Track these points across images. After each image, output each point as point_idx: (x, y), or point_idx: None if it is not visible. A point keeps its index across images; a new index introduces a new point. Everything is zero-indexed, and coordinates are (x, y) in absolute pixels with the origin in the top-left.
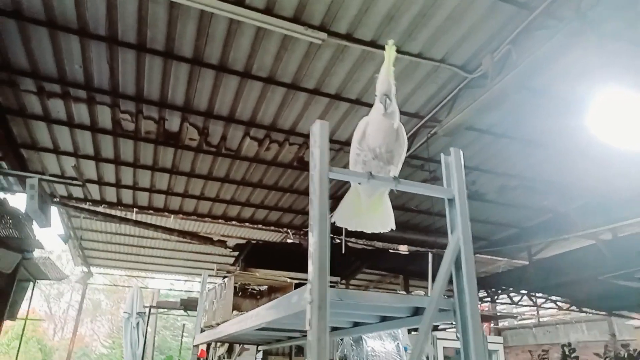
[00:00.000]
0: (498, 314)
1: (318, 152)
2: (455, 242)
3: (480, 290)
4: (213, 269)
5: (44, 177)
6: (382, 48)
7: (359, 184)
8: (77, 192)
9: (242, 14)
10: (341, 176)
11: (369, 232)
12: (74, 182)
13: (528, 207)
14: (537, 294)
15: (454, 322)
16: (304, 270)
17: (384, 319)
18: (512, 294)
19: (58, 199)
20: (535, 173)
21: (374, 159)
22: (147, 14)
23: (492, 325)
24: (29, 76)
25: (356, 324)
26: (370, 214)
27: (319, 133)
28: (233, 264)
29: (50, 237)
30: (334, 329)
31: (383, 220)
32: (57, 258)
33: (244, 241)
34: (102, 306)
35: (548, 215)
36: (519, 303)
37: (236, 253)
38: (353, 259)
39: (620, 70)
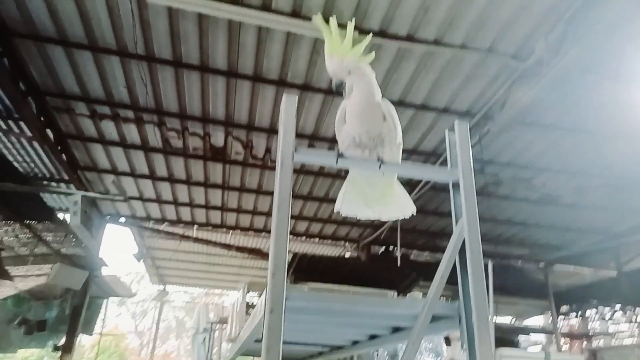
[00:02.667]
0: (590, 332)
1: (282, 130)
2: (459, 232)
3: (564, 305)
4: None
5: (87, 193)
6: (420, 42)
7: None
8: (141, 211)
9: (269, 19)
10: (307, 158)
11: (385, 220)
12: (116, 197)
13: (616, 209)
14: (635, 309)
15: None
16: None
17: (396, 329)
18: (603, 310)
19: (124, 220)
20: (622, 170)
21: (358, 147)
22: (178, 29)
23: (585, 344)
24: (80, 100)
25: (372, 337)
26: (383, 200)
27: (284, 109)
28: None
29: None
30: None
31: (399, 206)
32: (135, 276)
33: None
34: (186, 324)
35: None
36: (614, 319)
37: None
38: (408, 271)
39: None
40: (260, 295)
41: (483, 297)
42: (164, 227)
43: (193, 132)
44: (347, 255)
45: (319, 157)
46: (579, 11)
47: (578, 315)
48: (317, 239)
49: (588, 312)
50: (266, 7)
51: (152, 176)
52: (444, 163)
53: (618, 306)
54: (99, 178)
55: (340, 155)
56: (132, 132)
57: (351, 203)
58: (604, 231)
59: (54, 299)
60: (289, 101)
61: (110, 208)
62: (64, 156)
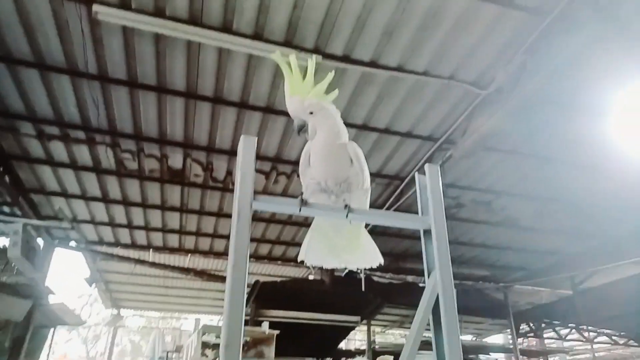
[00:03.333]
0: (547, 348)
1: (240, 175)
2: (432, 287)
3: (523, 324)
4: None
5: (29, 221)
6: (383, 68)
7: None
8: (92, 235)
9: (230, 41)
10: (268, 206)
11: (353, 268)
12: (63, 225)
13: (570, 233)
14: (588, 327)
15: None
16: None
17: None
18: (558, 328)
19: (75, 244)
20: (575, 195)
21: (324, 193)
22: (133, 49)
23: None
24: (26, 120)
25: None
26: (350, 250)
27: (242, 152)
28: (246, 306)
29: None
30: None
31: (366, 256)
32: (87, 299)
33: (268, 279)
34: (142, 347)
35: (593, 241)
36: (569, 338)
37: None
38: (372, 296)
39: None
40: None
41: (458, 354)
42: (117, 250)
43: (149, 154)
44: (311, 277)
45: (280, 205)
46: (536, 44)
47: (536, 334)
48: (279, 262)
49: (545, 331)
50: (227, 29)
51: (105, 199)
52: (407, 187)
53: (572, 325)
54: (47, 200)
55: (304, 203)
56: (83, 154)
57: (316, 252)
58: (560, 253)
59: None
60: (247, 143)
61: (60, 232)
62: (6, 178)
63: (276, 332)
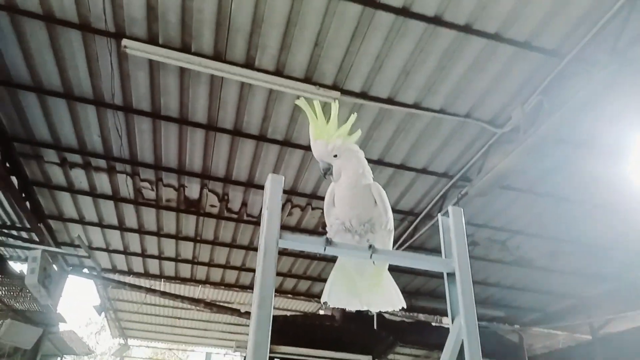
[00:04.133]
0: None
1: (267, 213)
2: (457, 334)
3: None
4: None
5: (48, 248)
6: (400, 105)
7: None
8: (106, 262)
9: (252, 77)
10: (294, 244)
11: (375, 311)
12: (80, 253)
13: (587, 275)
14: None
15: None
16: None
17: None
18: None
19: (87, 272)
20: (592, 237)
21: (348, 232)
22: (158, 82)
23: None
24: (51, 147)
25: None
26: (372, 291)
27: (270, 190)
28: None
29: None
30: None
31: (388, 298)
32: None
33: (278, 312)
34: None
35: (612, 284)
36: None
37: None
38: (385, 335)
39: None
40: None
41: None
42: (129, 279)
43: (167, 184)
44: (321, 312)
45: (306, 244)
46: (553, 84)
47: None
48: (289, 295)
49: None
50: (249, 65)
51: (121, 227)
52: (422, 222)
53: None
54: (65, 227)
55: (329, 242)
56: (103, 182)
57: (339, 293)
58: (577, 295)
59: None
60: (274, 182)
61: (74, 259)
62: (27, 204)
63: None
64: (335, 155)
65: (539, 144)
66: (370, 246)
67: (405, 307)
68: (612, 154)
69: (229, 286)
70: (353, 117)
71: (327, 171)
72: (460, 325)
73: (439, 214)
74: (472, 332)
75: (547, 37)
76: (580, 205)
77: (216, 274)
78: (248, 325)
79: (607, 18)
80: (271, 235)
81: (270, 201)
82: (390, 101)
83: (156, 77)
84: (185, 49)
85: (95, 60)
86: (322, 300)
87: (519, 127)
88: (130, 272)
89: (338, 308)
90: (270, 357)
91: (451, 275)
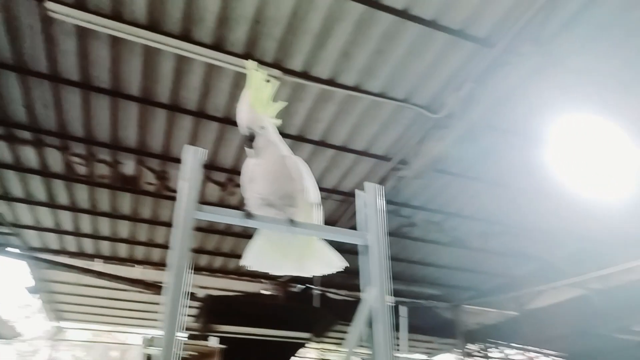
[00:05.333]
0: None
1: (185, 185)
2: (367, 302)
3: (472, 344)
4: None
5: None
6: (341, 87)
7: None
8: (36, 241)
9: (189, 49)
10: (212, 216)
11: (314, 275)
12: (2, 229)
13: (515, 255)
14: (532, 347)
15: None
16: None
17: None
18: (504, 348)
19: (15, 251)
20: (518, 219)
21: (268, 206)
22: (88, 50)
23: None
24: None
25: None
26: (303, 255)
27: (188, 161)
28: (195, 321)
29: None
30: None
31: (326, 261)
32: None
33: (222, 294)
34: None
35: (536, 264)
36: (514, 358)
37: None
38: (325, 313)
39: (584, 100)
40: None
41: None
42: (63, 259)
43: (100, 159)
44: (265, 292)
45: (224, 216)
46: (484, 73)
47: (483, 354)
48: (233, 276)
49: (491, 351)
50: (186, 37)
51: (51, 204)
52: None
53: (517, 345)
54: None
55: (248, 215)
56: (29, 155)
57: (265, 257)
58: (506, 274)
59: None
60: (193, 153)
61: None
62: None
63: (222, 346)
64: (262, 128)
65: (470, 130)
66: (290, 220)
67: (348, 265)
68: (536, 141)
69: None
70: (283, 103)
71: (251, 140)
72: (372, 295)
73: (356, 190)
74: (383, 301)
75: (479, 26)
76: (507, 189)
77: (156, 254)
78: (190, 307)
79: (533, 10)
80: (188, 207)
81: (187, 173)
82: (331, 82)
83: (86, 45)
84: (117, 16)
85: (15, 23)
86: (243, 263)
87: (453, 113)
88: (63, 252)
89: (282, 288)
90: (208, 337)
91: (366, 248)
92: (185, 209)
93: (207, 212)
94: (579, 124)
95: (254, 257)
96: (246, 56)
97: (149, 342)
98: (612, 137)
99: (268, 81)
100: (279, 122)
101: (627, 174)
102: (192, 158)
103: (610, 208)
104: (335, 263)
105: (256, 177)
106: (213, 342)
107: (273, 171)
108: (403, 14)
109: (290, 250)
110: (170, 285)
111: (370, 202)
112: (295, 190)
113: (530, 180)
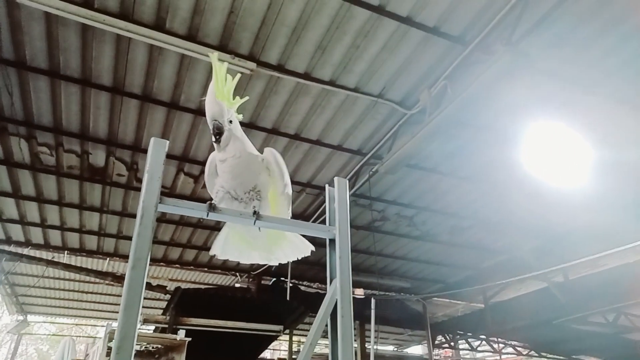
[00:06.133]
0: (461, 359)
1: (147, 176)
2: (332, 294)
3: (440, 335)
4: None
5: None
6: (317, 81)
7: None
8: None
9: (162, 39)
10: (175, 209)
11: (275, 264)
12: None
13: (482, 249)
14: (497, 339)
15: None
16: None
17: None
18: (471, 339)
19: None
20: (486, 214)
21: (233, 200)
22: (57, 37)
23: None
24: None
25: None
26: (272, 243)
27: (152, 153)
28: (163, 313)
29: None
30: None
31: (294, 248)
32: None
33: (193, 286)
34: (50, 358)
35: (503, 257)
36: (480, 348)
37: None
38: (296, 305)
39: (550, 105)
40: None
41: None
42: (27, 251)
43: (69, 149)
44: (237, 286)
45: (187, 209)
46: (457, 71)
47: (451, 345)
48: (205, 269)
49: (459, 342)
50: (159, 27)
51: (16, 194)
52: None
53: (483, 336)
54: None
55: (212, 208)
56: None
57: (232, 247)
58: (473, 267)
59: None
60: (157, 145)
61: None
62: None
63: (188, 339)
64: (230, 122)
65: (442, 126)
66: (254, 212)
67: (314, 250)
68: (506, 139)
69: None
70: (245, 98)
71: (220, 134)
72: (336, 287)
73: (327, 185)
74: (346, 293)
75: (453, 24)
76: (478, 184)
77: (125, 247)
78: (162, 299)
79: (505, 10)
80: (150, 198)
81: (151, 165)
82: (306, 76)
83: (54, 32)
84: (87, 4)
85: None
86: (212, 253)
87: (425, 109)
88: (28, 244)
89: (254, 281)
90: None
91: (332, 241)
92: (148, 200)
93: (169, 204)
94: (544, 122)
95: (221, 247)
96: (221, 48)
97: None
98: (572, 135)
99: (231, 75)
100: (241, 117)
101: (584, 167)
102: (156, 149)
103: (573, 198)
104: (303, 249)
105: (221, 170)
106: (181, 334)
107: (238, 164)
108: (379, 9)
109: (257, 240)
110: (130, 277)
111: (337, 196)
112: (260, 183)
113: (500, 175)
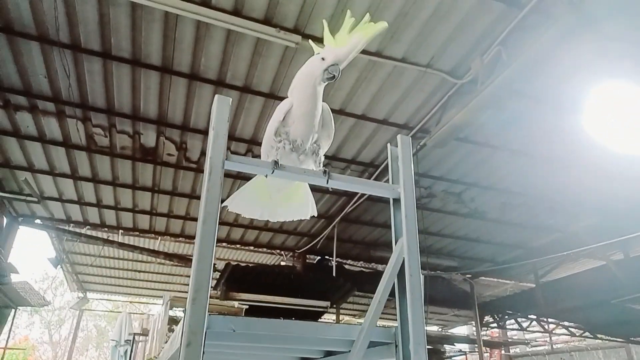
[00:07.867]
0: (509, 339)
1: (213, 133)
2: (399, 253)
3: (487, 315)
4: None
5: None
6: (363, 52)
7: (266, 176)
8: (59, 213)
9: (208, 15)
10: (240, 166)
11: (282, 220)
12: (29, 198)
13: (534, 227)
14: (548, 319)
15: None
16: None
17: (329, 353)
18: (520, 319)
19: (40, 222)
20: (540, 190)
21: (293, 152)
22: (108, 18)
23: (502, 352)
24: None
25: None
26: (284, 202)
27: (216, 110)
28: (214, 288)
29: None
30: None
31: (298, 208)
32: (51, 282)
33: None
34: (108, 333)
35: (555, 235)
36: (530, 329)
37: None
38: (342, 282)
39: (619, 68)
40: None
41: (421, 323)
42: (85, 230)
43: (121, 130)
44: (283, 264)
45: (253, 166)
46: (512, 36)
47: (499, 325)
48: (252, 247)
49: (508, 322)
50: (205, 2)
51: (74, 175)
52: (381, 175)
53: (533, 316)
54: (12, 175)
55: (277, 165)
56: (52, 127)
57: (242, 201)
58: (524, 246)
59: None
60: (221, 102)
61: (25, 208)
62: None
63: (245, 306)
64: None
65: (495, 95)
66: (325, 171)
67: (315, 215)
68: (565, 108)
69: (189, 238)
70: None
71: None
72: (403, 245)
73: (389, 144)
74: (413, 252)
75: None
76: (532, 158)
77: (176, 226)
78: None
79: None
80: (217, 155)
81: (216, 122)
82: None
83: (105, 13)
84: None
85: None
86: (224, 203)
87: (477, 78)
88: (86, 223)
89: (299, 259)
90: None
91: (397, 201)
92: (215, 157)
93: (235, 161)
94: (611, 85)
95: (234, 200)
96: (266, 22)
97: (174, 303)
98: None
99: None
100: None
101: None
102: (220, 106)
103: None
104: (305, 212)
105: (296, 119)
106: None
107: (317, 115)
108: None
109: (277, 196)
110: (202, 231)
111: (401, 154)
112: (322, 136)
113: (556, 148)
